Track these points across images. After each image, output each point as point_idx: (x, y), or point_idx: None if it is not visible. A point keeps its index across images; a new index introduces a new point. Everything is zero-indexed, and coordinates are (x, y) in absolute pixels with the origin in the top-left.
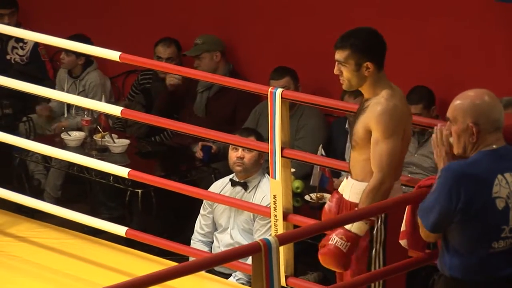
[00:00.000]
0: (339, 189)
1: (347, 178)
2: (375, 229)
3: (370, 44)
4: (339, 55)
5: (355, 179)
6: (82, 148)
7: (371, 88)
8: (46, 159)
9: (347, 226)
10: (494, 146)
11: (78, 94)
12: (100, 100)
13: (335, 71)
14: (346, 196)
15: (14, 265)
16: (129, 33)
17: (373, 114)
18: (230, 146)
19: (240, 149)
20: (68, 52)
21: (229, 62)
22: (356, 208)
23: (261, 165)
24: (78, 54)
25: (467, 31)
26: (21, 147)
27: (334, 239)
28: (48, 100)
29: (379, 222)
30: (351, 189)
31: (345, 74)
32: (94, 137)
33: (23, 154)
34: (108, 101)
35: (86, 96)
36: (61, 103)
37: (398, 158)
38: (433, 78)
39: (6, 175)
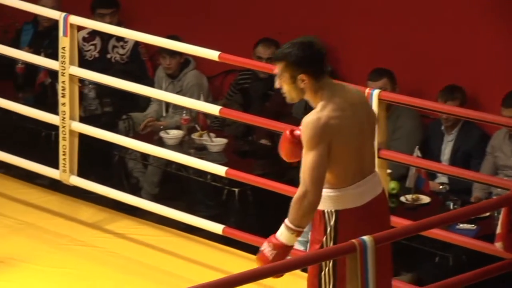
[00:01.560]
0: None
1: None
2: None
3: (303, 56)
4: (276, 69)
5: None
6: (181, 146)
7: (312, 100)
8: (145, 157)
9: (277, 235)
10: None
11: (176, 94)
12: (198, 99)
13: (276, 85)
14: None
15: (113, 261)
16: (228, 33)
17: (302, 127)
18: None
19: None
20: (172, 54)
21: (329, 64)
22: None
23: None
24: (178, 54)
25: None
26: (120, 145)
27: (264, 245)
28: (147, 103)
29: (329, 238)
30: None
31: (284, 87)
32: (192, 135)
33: (122, 152)
34: (206, 100)
35: (184, 96)
36: (160, 106)
37: (322, 171)
38: None
39: (105, 173)
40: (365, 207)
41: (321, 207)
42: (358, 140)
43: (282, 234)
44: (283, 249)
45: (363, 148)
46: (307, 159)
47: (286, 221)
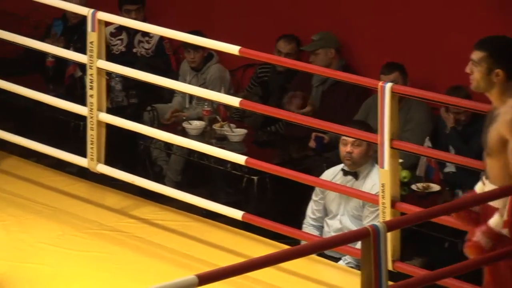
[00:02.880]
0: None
1: (483, 182)
2: None
3: (507, 53)
4: (475, 55)
5: (493, 183)
6: (202, 136)
7: (498, 96)
8: (168, 146)
9: (492, 225)
10: None
11: (199, 86)
12: (219, 92)
13: (467, 69)
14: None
15: (138, 245)
16: (250, 28)
17: (504, 124)
18: (341, 140)
19: (349, 144)
20: (196, 49)
21: (343, 58)
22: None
23: (370, 157)
24: (202, 48)
25: None
26: (145, 134)
27: (478, 236)
28: (170, 95)
29: None
30: None
31: (475, 75)
32: (213, 126)
33: (147, 142)
34: (227, 92)
35: (207, 88)
36: (184, 98)
37: None
38: None
39: (131, 161)
40: None
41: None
42: None
43: (492, 220)
44: (497, 236)
45: None
46: None
47: (502, 210)
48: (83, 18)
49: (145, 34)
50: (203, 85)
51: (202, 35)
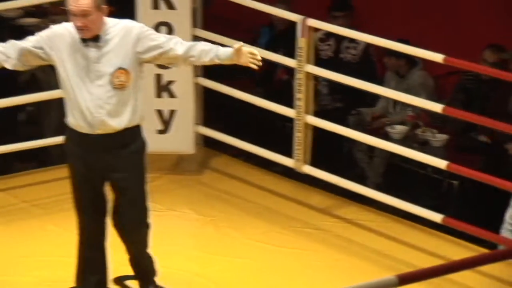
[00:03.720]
0: None
1: None
2: None
3: None
4: None
5: None
6: (405, 140)
7: None
8: (371, 149)
9: None
10: None
11: (403, 92)
12: (422, 98)
13: None
14: None
15: (340, 244)
16: (457, 37)
17: None
18: None
19: None
20: (400, 56)
21: None
22: None
23: None
24: (404, 56)
25: None
26: (349, 137)
27: None
28: (375, 100)
29: None
30: None
31: None
32: (416, 131)
33: (351, 144)
34: (430, 99)
35: (410, 94)
36: (388, 102)
37: None
38: None
39: (335, 163)
40: None
41: None
42: None
43: None
44: None
45: None
46: None
47: None
48: (290, 24)
49: (352, 40)
50: (406, 90)
51: (407, 43)
